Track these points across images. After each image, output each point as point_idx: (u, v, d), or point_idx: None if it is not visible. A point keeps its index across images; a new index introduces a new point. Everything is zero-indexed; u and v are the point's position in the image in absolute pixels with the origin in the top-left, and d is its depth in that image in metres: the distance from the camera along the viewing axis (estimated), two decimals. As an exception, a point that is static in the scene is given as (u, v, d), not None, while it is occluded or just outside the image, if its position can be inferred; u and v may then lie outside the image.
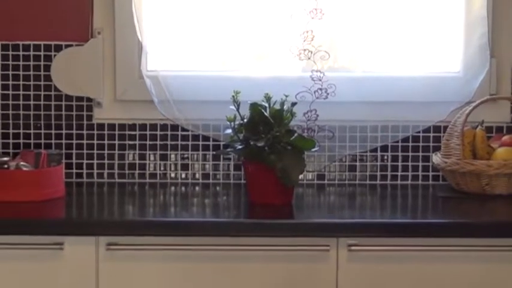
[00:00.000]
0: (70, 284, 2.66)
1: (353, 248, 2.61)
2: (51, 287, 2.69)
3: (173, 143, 3.14)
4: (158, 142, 3.15)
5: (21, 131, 3.20)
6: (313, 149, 2.87)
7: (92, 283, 2.65)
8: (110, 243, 2.62)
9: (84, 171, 3.20)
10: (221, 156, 3.12)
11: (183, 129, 3.12)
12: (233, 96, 2.79)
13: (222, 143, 3.05)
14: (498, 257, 2.66)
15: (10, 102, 3.17)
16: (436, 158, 3.02)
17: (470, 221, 2.79)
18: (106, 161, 3.19)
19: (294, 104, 2.82)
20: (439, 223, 2.83)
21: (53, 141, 3.20)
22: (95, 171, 3.19)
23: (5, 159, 2.92)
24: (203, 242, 2.62)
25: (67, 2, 3.17)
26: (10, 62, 3.16)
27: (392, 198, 3.12)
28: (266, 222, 2.70)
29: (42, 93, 3.17)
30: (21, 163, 2.91)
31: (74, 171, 3.20)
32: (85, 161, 3.19)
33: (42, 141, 3.20)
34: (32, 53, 3.16)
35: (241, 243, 2.61)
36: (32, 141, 3.21)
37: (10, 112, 3.17)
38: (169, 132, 3.14)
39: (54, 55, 3.12)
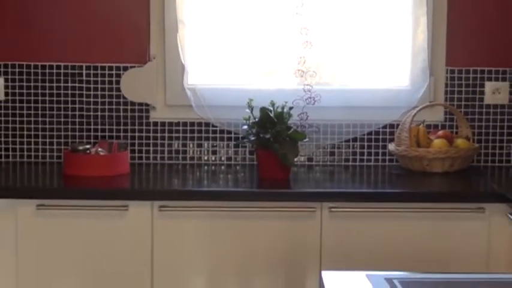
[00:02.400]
0: (133, 236, 2.71)
1: (333, 209, 2.64)
2: (119, 238, 2.73)
3: (206, 135, 3.13)
4: (195, 135, 3.14)
5: (99, 126, 3.20)
6: (304, 140, 2.90)
7: (149, 235, 2.67)
8: (162, 206, 2.67)
9: (143, 155, 3.19)
10: (240, 145, 3.11)
11: (213, 126, 3.11)
12: (248, 103, 2.81)
13: (240, 136, 3.02)
14: (434, 216, 2.70)
15: (91, 106, 3.16)
16: (391, 146, 3.04)
17: (415, 190, 2.86)
18: (159, 148, 3.17)
19: (291, 108, 2.85)
20: (393, 192, 2.89)
21: (121, 134, 3.19)
22: (151, 155, 3.18)
23: (88, 146, 2.98)
24: (227, 205, 2.66)
25: (132, 36, 3.16)
26: (91, 78, 3.16)
27: (360, 174, 3.12)
28: (271, 191, 2.75)
29: (114, 100, 3.17)
30: (99, 149, 2.96)
31: (136, 155, 3.17)
32: (144, 148, 3.18)
33: (114, 134, 3.20)
34: (107, 71, 3.16)
35: (254, 206, 2.65)
36: (106, 134, 3.20)
37: (91, 113, 3.17)
38: (203, 128, 3.13)
39: (123, 73, 3.12)
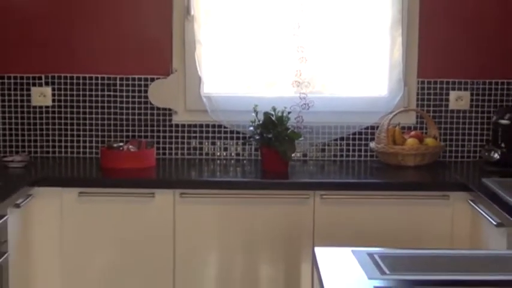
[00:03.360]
0: (158, 218, 2.71)
1: (324, 197, 2.64)
2: (147, 219, 2.71)
3: (219, 135, 3.15)
4: (210, 135, 3.16)
5: (130, 128, 3.17)
6: (300, 139, 2.89)
7: (171, 217, 2.67)
8: (182, 193, 2.67)
9: (167, 151, 3.16)
10: (247, 143, 3.10)
11: (225, 127, 3.12)
12: (254, 108, 2.83)
13: (247, 135, 2.98)
14: (407, 202, 2.69)
15: (124, 111, 3.09)
16: (372, 144, 3.03)
17: (391, 181, 2.86)
18: (179, 146, 3.17)
19: (289, 112, 2.85)
20: (373, 182, 2.95)
21: (148, 134, 3.18)
22: (173, 151, 3.17)
23: (121, 144, 2.97)
24: (236, 192, 2.67)
25: (157, 53, 3.15)
26: (124, 88, 3.15)
27: (346, 168, 3.14)
28: (272, 181, 2.77)
29: (142, 106, 3.16)
30: (130, 147, 2.96)
31: (161, 151, 3.10)
32: (167, 146, 3.16)
33: (142, 134, 3.13)
34: (136, 82, 3.14)
35: (258, 193, 2.67)
36: (136, 134, 3.12)
37: (124, 117, 3.17)
38: (216, 129, 3.13)
39: (150, 83, 3.12)
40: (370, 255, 1.72)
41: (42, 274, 2.68)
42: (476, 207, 2.52)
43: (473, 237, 2.63)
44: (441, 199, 2.61)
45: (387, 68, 3.11)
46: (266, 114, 2.78)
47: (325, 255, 1.79)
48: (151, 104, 3.11)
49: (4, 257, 2.39)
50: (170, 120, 3.14)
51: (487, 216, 2.42)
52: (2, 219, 2.39)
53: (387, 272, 1.60)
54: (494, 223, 2.35)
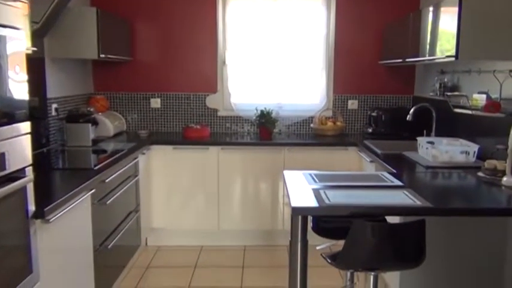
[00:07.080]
0: (211, 160, 3.27)
1: (288, 149, 3.32)
2: (205, 160, 3.25)
3: (239, 121, 3.80)
4: (235, 120, 3.81)
5: (197, 117, 3.76)
6: (277, 123, 3.66)
7: (216, 160, 3.29)
8: (222, 148, 3.24)
9: (215, 129, 3.78)
10: (252, 124, 3.78)
11: (242, 117, 3.80)
12: (256, 108, 3.62)
13: (253, 121, 3.74)
14: (329, 151, 3.30)
15: (194, 109, 3.64)
16: (312, 125, 3.75)
17: (321, 142, 3.44)
18: (221, 126, 3.86)
19: (272, 110, 3.62)
20: (313, 142, 3.43)
21: (206, 120, 3.82)
22: (218, 129, 3.79)
23: (193, 125, 3.50)
24: (248, 148, 3.31)
25: (210, 82, 3.74)
26: (195, 98, 3.66)
27: (300, 136, 3.70)
28: (264, 142, 3.38)
29: (203, 107, 3.78)
30: (198, 126, 3.46)
31: (212, 129, 3.73)
32: (215, 126, 3.80)
33: (203, 120, 3.80)
34: (200, 95, 3.71)
35: (258, 148, 3.32)
36: (200, 120, 3.81)
37: (194, 112, 3.69)
38: (238, 118, 3.81)
39: (207, 95, 3.77)
40: (310, 174, 1.91)
41: (155, 186, 3.32)
42: (361, 154, 3.17)
43: (359, 167, 3.27)
44: (344, 150, 3.35)
45: (319, 89, 3.85)
46: (261, 110, 3.58)
47: (288, 174, 2.01)
48: (207, 106, 3.81)
49: (137, 177, 2.98)
50: (217, 114, 3.85)
51: (365, 157, 3.01)
52: (136, 159, 2.96)
53: (318, 181, 1.79)
54: (369, 160, 2.93)
